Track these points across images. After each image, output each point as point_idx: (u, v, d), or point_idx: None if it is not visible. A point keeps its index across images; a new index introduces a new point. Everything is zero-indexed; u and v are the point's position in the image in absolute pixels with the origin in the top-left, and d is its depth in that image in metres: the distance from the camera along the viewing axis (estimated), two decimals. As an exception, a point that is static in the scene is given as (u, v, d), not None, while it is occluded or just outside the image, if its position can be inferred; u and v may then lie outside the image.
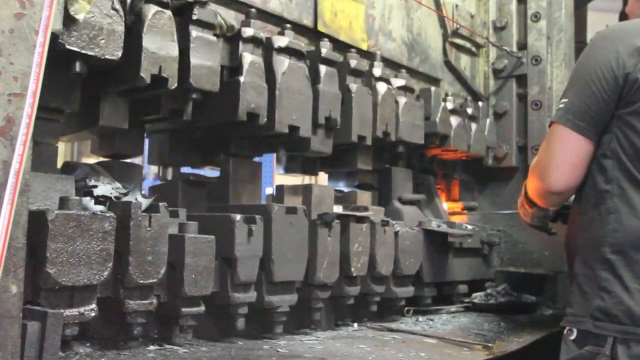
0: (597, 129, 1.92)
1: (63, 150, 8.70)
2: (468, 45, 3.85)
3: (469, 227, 3.43)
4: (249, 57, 2.38)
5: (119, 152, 2.40)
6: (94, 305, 1.75)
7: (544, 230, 2.55)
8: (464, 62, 3.85)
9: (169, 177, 2.80)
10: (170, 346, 2.05)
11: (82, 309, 1.71)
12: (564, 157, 1.95)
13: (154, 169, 9.01)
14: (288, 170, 3.01)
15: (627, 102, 1.87)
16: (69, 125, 2.21)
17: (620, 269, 1.83)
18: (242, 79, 2.33)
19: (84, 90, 2.03)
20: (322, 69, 2.68)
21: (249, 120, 2.36)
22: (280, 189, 2.58)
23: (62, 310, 1.59)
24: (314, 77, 2.65)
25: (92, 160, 2.76)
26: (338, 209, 2.67)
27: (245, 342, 2.25)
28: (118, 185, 2.10)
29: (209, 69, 2.19)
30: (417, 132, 3.20)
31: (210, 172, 3.03)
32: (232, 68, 2.40)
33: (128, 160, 2.46)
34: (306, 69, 2.58)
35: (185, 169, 2.92)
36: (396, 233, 2.86)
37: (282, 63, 2.48)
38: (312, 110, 2.59)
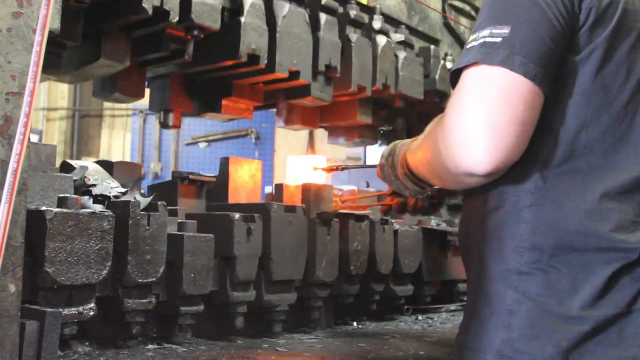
0: (552, 78, 1.33)
1: (63, 150, 8.72)
2: (468, 8, 3.84)
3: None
4: None
5: (120, 93, 2.41)
6: (93, 305, 1.74)
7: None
8: (463, 26, 3.84)
9: (171, 123, 2.80)
10: (169, 345, 2.05)
11: (81, 309, 1.71)
12: (513, 113, 1.27)
13: (153, 167, 9.01)
14: (288, 122, 3.01)
15: (583, 44, 1.33)
16: (70, 62, 2.22)
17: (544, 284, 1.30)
18: (243, 19, 2.34)
19: (86, 25, 2.03)
20: (323, 17, 2.69)
21: (250, 61, 2.37)
22: (279, 187, 2.58)
23: (61, 310, 1.59)
24: (314, 25, 2.65)
25: (91, 159, 2.76)
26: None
27: (244, 341, 2.25)
28: (117, 184, 2.10)
29: (210, 6, 2.20)
30: (417, 87, 3.19)
31: (210, 171, 3.03)
32: (233, 10, 2.41)
33: (128, 161, 2.46)
34: (306, 15, 2.58)
35: (187, 115, 2.91)
36: (396, 232, 2.86)
37: (283, 7, 2.50)
38: (312, 56, 2.60)
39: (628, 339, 1.26)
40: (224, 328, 2.28)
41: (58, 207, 1.72)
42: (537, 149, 1.34)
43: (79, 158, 8.37)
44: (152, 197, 1.99)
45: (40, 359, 1.48)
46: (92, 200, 1.94)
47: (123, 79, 2.43)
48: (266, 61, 2.41)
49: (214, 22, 2.22)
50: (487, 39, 1.32)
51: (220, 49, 2.38)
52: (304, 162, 2.77)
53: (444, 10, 3.63)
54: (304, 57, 2.56)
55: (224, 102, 2.71)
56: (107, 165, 2.26)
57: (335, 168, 2.69)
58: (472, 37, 1.38)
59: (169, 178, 2.75)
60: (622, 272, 1.29)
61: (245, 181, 2.63)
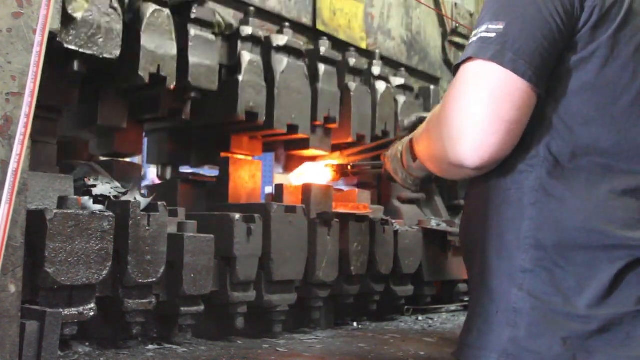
0: (547, 76, 1.32)
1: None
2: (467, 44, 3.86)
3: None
4: (248, 56, 2.39)
5: (118, 152, 2.41)
6: (92, 305, 1.74)
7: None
8: None
9: (168, 176, 2.82)
10: (169, 345, 2.05)
11: (81, 309, 1.71)
12: (500, 110, 1.27)
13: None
14: (287, 169, 3.02)
15: (585, 42, 1.33)
16: (67, 124, 2.22)
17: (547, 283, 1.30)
18: (240, 77, 2.34)
19: (82, 88, 2.03)
20: (321, 67, 2.70)
21: (248, 119, 2.37)
22: (279, 187, 2.58)
23: (60, 310, 1.59)
24: (313, 76, 2.66)
25: (91, 159, 2.75)
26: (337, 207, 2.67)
27: (244, 341, 2.25)
28: (117, 184, 2.10)
29: (207, 67, 2.20)
30: (417, 131, 3.21)
31: (210, 171, 3.04)
32: (231, 67, 2.42)
33: (127, 160, 2.47)
34: (305, 68, 2.59)
35: (184, 169, 2.93)
36: (395, 232, 2.86)
37: (281, 62, 2.50)
38: (311, 109, 2.61)
39: (637, 339, 1.26)
40: (224, 328, 2.28)
41: (58, 207, 1.72)
42: (540, 146, 1.34)
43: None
44: (152, 197, 1.99)
45: (40, 359, 1.48)
46: (92, 200, 1.94)
47: (120, 137, 2.43)
48: (264, 118, 2.42)
49: (211, 84, 2.22)
50: (483, 34, 1.34)
51: (218, 106, 2.39)
52: (318, 166, 2.78)
53: (443, 47, 3.66)
54: (303, 110, 2.57)
55: (222, 155, 2.72)
56: (107, 165, 2.26)
57: (344, 166, 2.70)
58: (473, 33, 1.39)
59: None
60: (628, 270, 1.29)
61: (245, 181, 2.64)
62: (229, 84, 2.35)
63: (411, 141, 1.78)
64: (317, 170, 2.72)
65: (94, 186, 2.01)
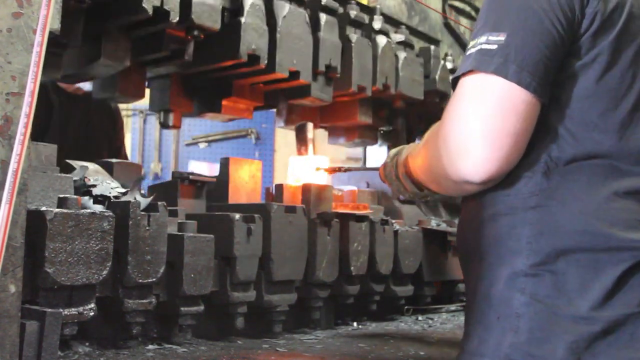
0: (550, 84, 1.31)
1: (63, 150, 8.70)
2: (468, 9, 3.87)
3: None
4: None
5: (120, 94, 2.45)
6: (92, 305, 1.74)
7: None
8: (463, 26, 3.87)
9: (170, 123, 2.83)
10: (169, 345, 2.05)
11: (81, 309, 1.71)
12: (506, 123, 1.26)
13: (153, 167, 8.99)
14: (288, 122, 3.04)
15: (586, 48, 1.32)
16: (71, 62, 2.24)
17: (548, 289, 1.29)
18: (243, 19, 2.37)
19: (86, 25, 2.07)
20: (323, 17, 2.73)
21: (250, 61, 2.39)
22: (279, 187, 2.58)
23: (60, 310, 1.59)
24: (314, 26, 2.69)
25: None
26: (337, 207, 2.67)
27: (244, 341, 2.25)
28: (117, 184, 2.10)
29: (210, 6, 2.24)
30: (417, 87, 3.23)
31: (210, 170, 3.04)
32: (233, 10, 2.44)
33: (128, 161, 2.47)
34: (306, 15, 2.62)
35: (186, 118, 2.93)
36: (395, 232, 2.86)
37: (283, 7, 2.54)
38: (312, 57, 2.63)
39: None
40: (224, 328, 2.28)
41: (58, 207, 1.72)
42: (540, 152, 1.34)
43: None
44: (152, 197, 1.99)
45: (40, 359, 1.48)
46: (92, 200, 1.94)
47: (123, 80, 2.47)
48: (266, 61, 2.43)
49: (214, 22, 2.24)
50: (483, 46, 1.32)
51: (220, 49, 2.41)
52: (306, 162, 2.77)
53: (443, 11, 3.67)
54: (304, 57, 2.58)
55: (224, 102, 2.74)
56: (107, 165, 2.26)
57: (337, 169, 2.70)
58: (470, 44, 1.38)
59: (169, 178, 2.76)
60: (632, 271, 1.29)
61: (245, 181, 2.64)
62: (231, 26, 2.37)
63: (407, 166, 1.77)
64: (311, 172, 2.72)
65: (94, 186, 2.01)
